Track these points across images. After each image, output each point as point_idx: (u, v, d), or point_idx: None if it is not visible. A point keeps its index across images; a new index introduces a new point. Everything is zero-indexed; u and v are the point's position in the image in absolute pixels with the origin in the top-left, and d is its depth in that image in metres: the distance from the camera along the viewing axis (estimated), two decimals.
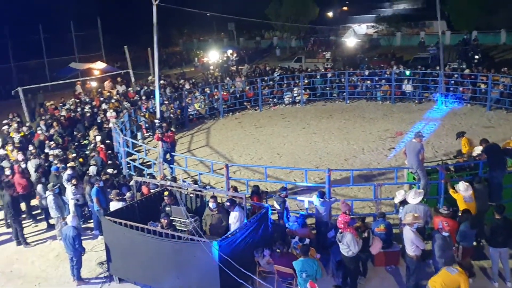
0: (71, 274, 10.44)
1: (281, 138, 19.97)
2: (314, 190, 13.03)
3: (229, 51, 43.36)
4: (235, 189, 11.75)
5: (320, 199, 10.86)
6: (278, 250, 9.38)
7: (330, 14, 53.63)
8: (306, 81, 26.90)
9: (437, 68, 25.07)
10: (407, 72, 26.12)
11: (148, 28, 16.17)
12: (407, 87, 25.04)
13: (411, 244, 8.98)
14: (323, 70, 29.97)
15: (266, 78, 28.16)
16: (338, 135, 20.01)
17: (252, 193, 11.59)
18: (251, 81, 27.80)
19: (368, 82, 26.24)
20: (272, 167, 15.48)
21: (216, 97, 25.16)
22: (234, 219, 9.92)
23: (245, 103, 25.63)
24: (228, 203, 10.09)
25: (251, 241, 9.61)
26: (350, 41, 40.39)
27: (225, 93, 25.55)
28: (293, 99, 26.19)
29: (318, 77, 27.69)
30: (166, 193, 10.96)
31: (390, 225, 10.36)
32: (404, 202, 10.48)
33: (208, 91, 25.72)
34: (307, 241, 10.25)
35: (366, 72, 27.62)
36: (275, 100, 26.27)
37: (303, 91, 26.14)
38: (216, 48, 43.68)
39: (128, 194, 12.00)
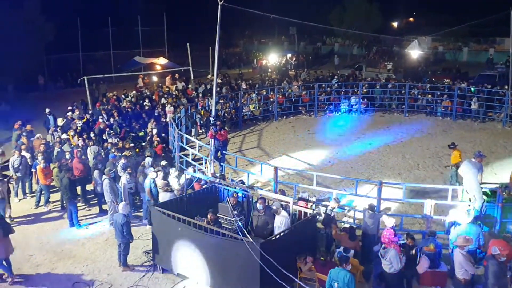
0: (118, 259, 10.81)
1: (334, 146, 19.72)
2: (364, 202, 12.81)
3: (289, 55, 43.43)
4: (283, 192, 11.71)
5: (369, 211, 10.63)
6: (321, 258, 9.26)
7: (395, 24, 52.46)
8: (365, 90, 26.44)
9: (505, 87, 23.87)
10: (473, 89, 25.05)
11: (211, 27, 16.45)
12: (475, 104, 23.86)
13: (460, 267, 8.60)
14: (383, 80, 29.35)
15: (323, 84, 27.92)
16: (393, 148, 19.50)
17: (299, 198, 11.52)
18: (308, 86, 27.64)
19: (429, 96, 25.40)
20: (322, 174, 15.27)
21: (271, 99, 25.22)
22: (279, 222, 9.89)
23: (300, 108, 25.52)
24: (274, 206, 10.07)
25: (294, 246, 9.54)
26: (414, 53, 39.21)
27: (280, 96, 25.57)
28: (350, 107, 25.80)
29: (378, 87, 27.13)
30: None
31: (439, 245, 9.97)
32: (456, 223, 10.05)
33: (264, 93, 25.83)
34: (352, 252, 10.04)
35: (428, 86, 26.76)
36: (331, 107, 25.99)
37: (361, 100, 25.70)
38: (276, 51, 43.87)
39: (177, 187, 12.29)
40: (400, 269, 8.85)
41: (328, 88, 27.37)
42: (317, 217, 10.77)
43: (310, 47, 52.57)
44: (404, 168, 17.01)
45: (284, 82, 29.54)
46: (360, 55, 46.13)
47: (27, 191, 14.89)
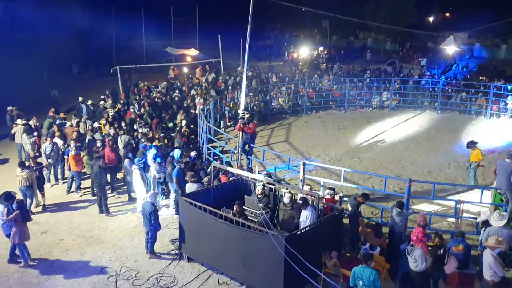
0: (145, 246, 11.00)
1: (364, 142, 19.48)
2: (392, 199, 12.64)
3: (320, 48, 43.02)
4: (310, 187, 11.65)
5: (397, 209, 10.48)
6: (347, 254, 9.19)
7: (431, 19, 51.24)
8: (397, 86, 25.96)
9: None
10: (510, 87, 24.26)
11: (243, 19, 16.43)
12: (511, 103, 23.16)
13: (489, 268, 8.39)
14: (416, 76, 28.78)
15: (355, 79, 27.56)
16: (424, 145, 19.12)
17: (327, 192, 11.43)
18: (340, 80, 27.38)
19: (464, 93, 24.76)
20: (350, 170, 15.13)
21: (301, 93, 25.07)
22: (306, 217, 9.85)
23: (330, 102, 25.29)
24: (301, 201, 10.03)
25: (320, 241, 9.50)
26: (450, 49, 38.33)
27: (311, 90, 25.40)
28: (381, 103, 25.41)
29: (410, 83, 26.60)
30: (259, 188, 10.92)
31: (469, 246, 9.74)
32: (487, 224, 9.80)
33: (294, 87, 25.69)
34: (378, 249, 9.93)
35: (462, 83, 26.08)
36: (362, 102, 25.67)
37: (393, 96, 25.26)
38: (307, 44, 43.50)
39: (205, 179, 12.39)
40: (425, 269, 8.70)
41: (360, 83, 27.02)
42: (344, 212, 10.69)
43: (343, 41, 51.91)
44: (435, 167, 16.67)
45: (315, 76, 29.30)
46: (393, 50, 45.28)
47: (59, 177, 15.30)
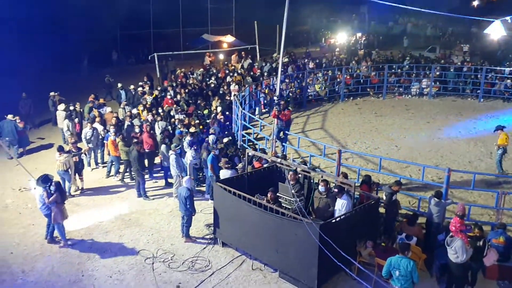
0: (180, 230, 11.21)
1: (402, 130, 19.08)
2: (430, 189, 12.38)
3: (358, 34, 42.15)
4: (345, 175, 11.54)
5: (435, 199, 10.25)
6: (382, 244, 9.08)
7: (475, 3, 49.30)
8: (437, 73, 25.21)
9: None
10: None
11: (279, 4, 16.29)
12: None
13: None
14: (458, 63, 27.84)
15: (394, 66, 26.93)
16: (465, 134, 18.56)
17: (362, 182, 11.32)
18: (378, 67, 26.82)
19: (509, 81, 23.78)
20: (387, 158, 14.87)
21: (338, 80, 24.71)
22: (341, 205, 9.78)
23: (368, 89, 24.84)
24: (336, 189, 9.95)
25: (354, 230, 9.42)
26: (495, 34, 36.66)
27: (348, 77, 24.99)
28: (420, 90, 24.76)
29: (451, 70, 25.77)
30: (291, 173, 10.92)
31: (510, 238, 9.45)
32: None
33: (331, 73, 25.35)
34: (414, 239, 9.75)
35: (507, 70, 25.03)
36: (401, 89, 25.09)
37: (433, 84, 24.55)
38: (345, 30, 42.69)
39: (239, 165, 12.47)
40: (466, 260, 8.49)
41: (399, 70, 26.38)
42: (380, 202, 10.55)
43: (381, 26, 50.67)
44: (475, 156, 16.17)
45: (353, 62, 28.80)
46: (434, 36, 43.83)
47: (99, 161, 15.73)
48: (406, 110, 22.24)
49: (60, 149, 13.12)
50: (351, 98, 24.31)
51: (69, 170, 13.15)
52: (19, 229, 11.59)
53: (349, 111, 22.13)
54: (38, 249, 10.75)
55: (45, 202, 10.61)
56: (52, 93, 18.94)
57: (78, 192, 13.68)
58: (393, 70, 26.01)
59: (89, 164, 15.37)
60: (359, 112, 22.01)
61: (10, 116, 16.16)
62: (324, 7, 51.34)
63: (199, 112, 18.19)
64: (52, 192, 10.52)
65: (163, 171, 14.45)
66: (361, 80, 25.39)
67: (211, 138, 14.36)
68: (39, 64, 28.49)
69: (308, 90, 23.63)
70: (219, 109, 17.71)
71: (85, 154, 14.72)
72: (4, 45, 25.74)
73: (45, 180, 10.66)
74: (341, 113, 21.81)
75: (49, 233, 10.97)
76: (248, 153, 12.02)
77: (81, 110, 17.65)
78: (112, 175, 14.74)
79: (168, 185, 14.04)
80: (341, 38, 40.09)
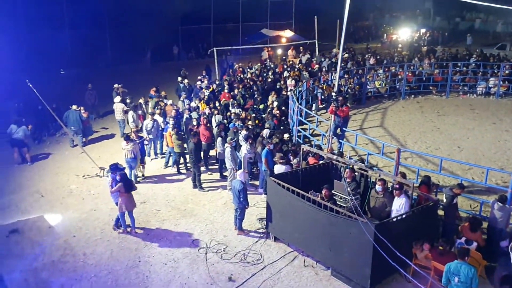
0: (234, 223, 11.32)
1: (465, 131, 18.23)
2: (493, 193, 11.77)
3: (422, 30, 40.72)
4: (404, 175, 11.18)
5: (499, 203, 9.72)
6: (440, 247, 8.73)
7: None
8: (507, 71, 23.84)
9: None
10: None
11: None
12: None
13: None
14: None
15: (459, 63, 25.76)
16: None
17: (421, 183, 10.93)
18: (442, 64, 25.76)
19: None
20: (449, 159, 14.26)
21: (399, 77, 23.98)
22: (399, 206, 9.50)
23: (431, 87, 23.93)
24: (395, 189, 9.68)
25: (411, 232, 9.13)
26: None
27: (410, 74, 24.19)
28: (487, 89, 23.54)
29: None
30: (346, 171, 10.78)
31: None
32: None
33: (392, 70, 24.63)
34: (475, 245, 9.30)
35: None
36: (465, 88, 23.98)
37: (501, 83, 23.26)
38: (408, 25, 41.36)
39: (294, 161, 12.40)
40: None
41: (464, 68, 25.21)
42: (439, 204, 10.15)
43: (447, 22, 48.63)
44: None
45: (415, 59, 27.84)
46: (505, 32, 41.48)
47: (158, 152, 16.21)
48: (471, 110, 21.22)
49: (127, 138, 13.70)
50: (413, 96, 23.52)
51: (136, 157, 13.72)
52: (82, 214, 12.16)
53: (410, 109, 21.42)
54: (98, 233, 11.24)
55: None
56: (116, 85, 19.67)
57: (140, 178, 14.19)
58: (458, 68, 24.90)
59: (149, 155, 15.88)
60: (421, 110, 21.25)
61: (75, 106, 16.97)
62: (387, 2, 49.98)
63: (255, 106, 18.27)
64: (118, 181, 10.86)
65: (218, 164, 14.66)
66: (424, 78, 24.50)
67: (265, 132, 14.39)
68: (106, 57, 29.82)
69: (368, 87, 23.11)
70: (275, 104, 17.70)
71: (147, 142, 15.21)
72: (78, 39, 27.22)
73: (113, 168, 11.08)
74: (401, 111, 21.16)
75: (116, 220, 11.35)
76: (303, 148, 11.93)
77: (146, 102, 18.21)
78: (170, 166, 15.14)
79: (223, 177, 14.23)
80: (404, 34, 38.89)
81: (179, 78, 21.23)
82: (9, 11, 25.32)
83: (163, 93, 19.17)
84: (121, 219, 11.15)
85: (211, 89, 19.98)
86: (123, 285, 9.34)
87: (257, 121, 16.14)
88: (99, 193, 13.32)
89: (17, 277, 9.53)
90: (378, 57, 28.37)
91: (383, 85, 23.79)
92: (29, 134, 15.41)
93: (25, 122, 15.56)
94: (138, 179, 14.06)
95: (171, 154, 15.04)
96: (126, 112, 17.51)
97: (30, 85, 13.74)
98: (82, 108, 17.15)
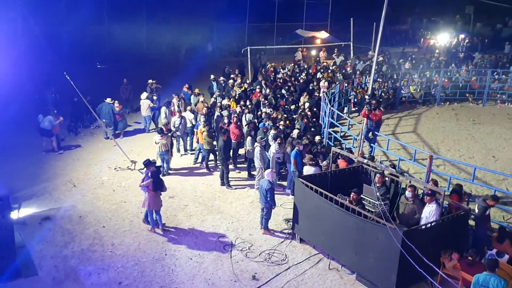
0: (260, 222, 11.35)
1: (501, 140, 17.70)
2: None
3: (461, 36, 39.71)
4: (435, 183, 10.95)
5: None
6: (469, 258, 8.52)
7: None
8: None
9: None
10: None
11: (378, 2, 15.81)
12: None
13: None
14: None
15: (498, 71, 25.02)
16: None
17: (452, 191, 10.69)
18: (480, 71, 25.07)
19: None
20: (483, 169, 13.87)
21: (435, 82, 23.47)
22: (429, 213, 9.32)
23: (467, 95, 23.31)
24: (426, 196, 9.49)
25: (440, 240, 8.94)
26: None
27: (446, 80, 23.64)
28: None
29: None
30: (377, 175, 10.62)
31: None
32: None
33: (428, 75, 24.13)
34: (506, 257, 9.02)
35: None
36: (504, 96, 23.26)
37: None
38: (447, 30, 40.40)
39: (324, 163, 12.32)
40: None
41: (503, 76, 24.46)
42: (470, 213, 9.89)
43: (488, 28, 47.24)
44: None
45: (452, 65, 27.21)
46: None
47: (187, 148, 16.39)
48: (508, 119, 20.57)
49: (161, 132, 14.04)
50: (448, 102, 22.99)
51: (169, 150, 14.06)
52: (112, 205, 12.42)
53: (444, 116, 20.95)
54: (127, 225, 11.45)
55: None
56: (150, 81, 19.98)
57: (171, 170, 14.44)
58: (496, 76, 24.19)
59: (178, 150, 16.07)
60: (455, 118, 20.75)
61: (109, 99, 17.35)
62: (425, 6, 49.00)
63: (286, 106, 18.23)
64: (149, 177, 10.90)
65: (246, 163, 14.70)
66: (460, 85, 23.90)
67: (295, 133, 14.34)
68: (142, 53, 30.34)
69: (402, 91, 22.71)
70: (306, 105, 17.62)
71: (175, 134, 15.51)
72: (116, 34, 27.87)
73: (146, 164, 11.21)
74: (435, 118, 20.72)
75: (145, 214, 11.45)
76: (333, 151, 11.83)
77: (179, 99, 18.41)
78: (199, 162, 15.28)
79: (251, 176, 14.26)
80: (442, 39, 38.02)
81: (212, 76, 21.38)
82: (53, 4, 26.13)
83: (196, 90, 19.36)
84: (149, 216, 11.21)
85: (243, 88, 20.04)
86: (149, 277, 9.50)
87: (287, 122, 16.11)
88: (130, 185, 13.57)
89: (47, 263, 9.82)
90: (413, 61, 27.86)
91: (418, 90, 23.34)
92: (57, 124, 15.77)
93: (57, 113, 15.96)
94: (169, 171, 14.33)
95: (201, 151, 15.18)
96: (153, 109, 17.83)
97: (67, 77, 14.13)
98: (116, 102, 17.50)
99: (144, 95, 18.23)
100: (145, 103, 18.00)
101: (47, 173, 14.31)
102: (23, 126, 17.14)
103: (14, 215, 11.08)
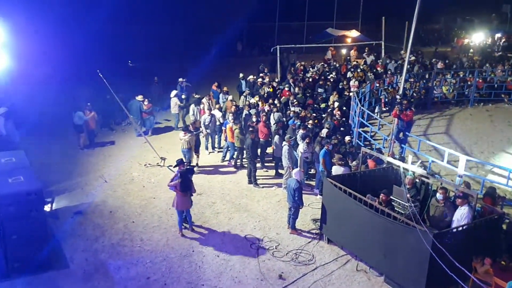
0: (287, 221, 11.32)
1: None
2: None
3: (497, 35, 38.61)
4: (468, 185, 10.69)
5: None
6: (503, 263, 8.28)
7: None
8: None
9: None
10: None
11: (411, 1, 15.49)
12: None
13: None
14: None
15: None
16: None
17: (486, 194, 10.43)
18: None
19: None
20: None
21: (469, 83, 22.88)
22: (460, 216, 9.10)
23: (503, 95, 22.63)
24: (457, 198, 9.27)
25: (472, 244, 8.71)
26: None
27: (480, 81, 23.01)
28: None
29: None
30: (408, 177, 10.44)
31: None
32: None
33: (461, 75, 23.56)
34: None
35: None
36: None
37: None
38: (482, 30, 39.34)
39: (354, 163, 12.19)
40: None
41: None
42: (504, 217, 9.62)
43: None
44: None
45: (487, 65, 26.45)
46: None
47: (215, 146, 16.49)
48: None
49: (185, 129, 14.21)
50: (482, 103, 22.37)
51: (192, 148, 14.15)
52: (142, 201, 12.62)
53: (478, 118, 20.41)
54: (156, 221, 11.61)
55: None
56: (180, 79, 20.19)
57: (195, 168, 14.51)
58: None
59: (206, 148, 16.19)
60: (490, 119, 20.18)
61: (139, 97, 17.62)
62: (460, 5, 47.85)
63: (316, 106, 18.11)
64: (178, 176, 10.88)
65: (274, 161, 14.68)
66: (495, 85, 23.23)
67: (324, 132, 14.24)
68: (174, 51, 30.70)
69: (434, 92, 22.24)
70: (336, 104, 17.46)
71: (202, 133, 15.54)
72: (149, 33, 28.35)
73: (178, 163, 11.22)
74: (468, 119, 20.21)
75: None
76: (363, 151, 11.69)
77: (210, 99, 18.54)
78: (227, 160, 15.35)
79: (278, 175, 14.24)
80: (477, 38, 37.06)
81: (241, 75, 21.44)
82: (89, 4, 26.72)
83: (225, 88, 19.45)
84: (178, 216, 11.06)
85: (271, 89, 19.96)
86: (176, 273, 9.61)
87: (316, 121, 16.00)
88: (159, 182, 13.76)
89: (78, 256, 10.06)
90: (447, 61, 27.24)
91: (451, 90, 22.81)
92: (88, 119, 16.09)
93: (89, 107, 16.28)
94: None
95: (229, 149, 15.24)
96: (181, 107, 17.99)
97: (101, 75, 14.42)
98: (146, 100, 17.75)
99: (173, 93, 18.47)
100: (173, 101, 18.23)
101: (80, 168, 14.65)
102: (58, 123, 17.61)
103: (47, 208, 11.43)
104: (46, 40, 23.85)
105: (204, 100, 17.85)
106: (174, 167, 11.36)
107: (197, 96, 18.18)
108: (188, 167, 11.43)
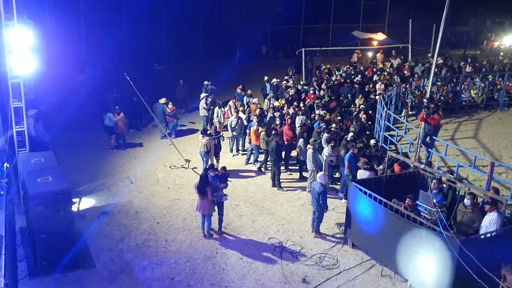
0: (311, 225, 11.27)
1: None
2: None
3: None
4: (496, 191, 10.43)
5: None
6: None
7: None
8: None
9: None
10: None
11: (438, 3, 15.25)
12: None
13: None
14: None
15: None
16: None
17: None
18: None
19: None
20: None
21: (498, 86, 22.36)
22: (489, 222, 8.89)
23: None
24: (486, 204, 9.07)
25: (501, 252, 8.47)
26: None
27: (510, 84, 22.45)
28: None
29: None
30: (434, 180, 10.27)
31: None
32: None
33: (491, 79, 23.05)
34: None
35: None
36: None
37: None
38: None
39: (380, 167, 12.05)
40: None
41: None
42: None
43: None
44: None
45: None
46: None
47: (240, 148, 16.54)
48: None
49: (203, 132, 14.29)
50: None
51: (209, 151, 14.12)
52: (167, 202, 12.75)
53: (507, 122, 19.91)
54: (180, 222, 11.71)
55: None
56: (205, 82, 20.34)
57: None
58: None
59: (231, 150, 16.25)
60: None
61: (163, 100, 17.79)
62: (489, 7, 46.83)
63: (341, 109, 17.97)
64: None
65: (298, 165, 14.62)
66: None
67: (350, 135, 14.12)
68: (198, 54, 30.99)
69: (463, 95, 21.81)
70: (362, 107, 17.29)
71: (222, 138, 15.37)
72: (173, 36, 28.69)
73: (206, 168, 11.21)
74: (498, 123, 19.75)
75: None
76: (389, 155, 11.54)
77: (236, 102, 18.61)
78: (251, 163, 15.37)
79: (302, 178, 14.18)
80: (507, 41, 36.22)
81: (265, 78, 21.46)
82: (115, 8, 27.23)
83: (249, 91, 19.50)
84: (201, 219, 11.13)
85: (294, 91, 19.90)
86: (200, 274, 9.67)
87: (341, 124, 15.88)
88: (184, 183, 13.88)
89: (104, 256, 10.22)
90: (476, 64, 26.69)
91: (480, 94, 22.33)
92: (117, 121, 16.32)
93: (118, 109, 16.54)
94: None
95: (253, 152, 15.26)
96: (207, 110, 18.10)
97: (127, 77, 14.64)
98: (170, 103, 17.92)
99: (202, 95, 18.62)
100: (201, 103, 18.38)
101: (106, 169, 14.90)
102: (85, 124, 17.95)
103: (75, 208, 11.65)
104: (76, 44, 24.43)
105: (230, 103, 17.93)
106: (205, 171, 11.36)
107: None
108: (219, 173, 11.35)
